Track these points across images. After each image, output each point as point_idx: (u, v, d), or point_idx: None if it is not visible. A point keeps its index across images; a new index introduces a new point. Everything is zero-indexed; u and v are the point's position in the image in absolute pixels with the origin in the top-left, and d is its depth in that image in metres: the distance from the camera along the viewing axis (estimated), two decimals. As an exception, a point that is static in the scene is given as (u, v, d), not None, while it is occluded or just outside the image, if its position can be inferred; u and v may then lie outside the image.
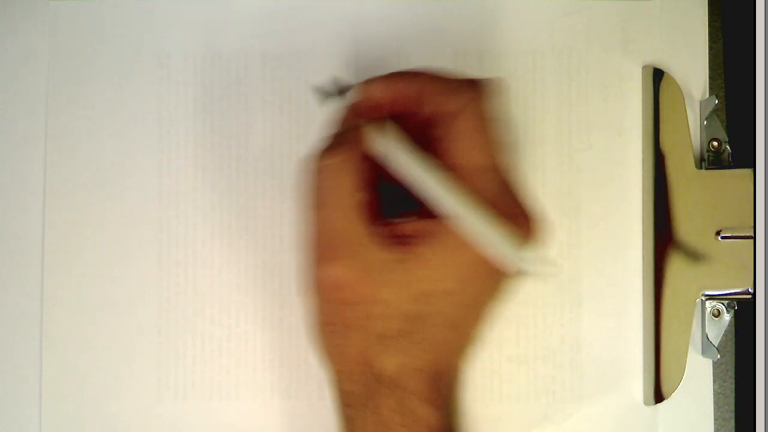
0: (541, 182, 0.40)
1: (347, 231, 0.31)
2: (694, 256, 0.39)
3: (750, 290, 0.38)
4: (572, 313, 0.39)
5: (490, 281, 0.32)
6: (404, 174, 0.32)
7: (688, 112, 0.40)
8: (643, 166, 0.40)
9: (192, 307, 0.39)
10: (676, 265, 0.39)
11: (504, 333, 0.39)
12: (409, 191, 0.32)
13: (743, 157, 0.39)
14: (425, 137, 0.33)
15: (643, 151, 0.40)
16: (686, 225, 0.39)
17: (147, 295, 0.39)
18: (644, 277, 0.39)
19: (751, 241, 0.38)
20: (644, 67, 0.40)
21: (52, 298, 0.40)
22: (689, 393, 0.39)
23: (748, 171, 0.39)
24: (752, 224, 0.38)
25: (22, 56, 0.40)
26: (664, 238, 0.39)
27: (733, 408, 0.39)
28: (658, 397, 0.39)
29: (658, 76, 0.40)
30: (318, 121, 0.40)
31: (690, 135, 0.40)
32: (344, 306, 0.31)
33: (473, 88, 0.32)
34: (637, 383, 0.39)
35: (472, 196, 0.31)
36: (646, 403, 0.39)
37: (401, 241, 0.31)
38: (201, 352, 0.39)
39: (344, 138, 0.32)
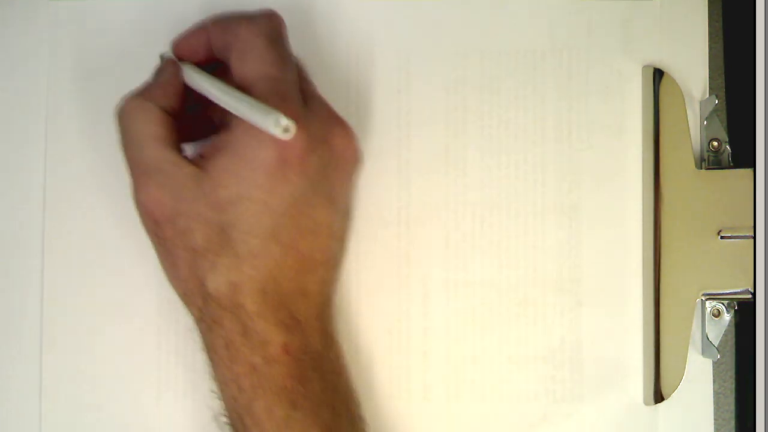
0: (541, 182, 0.40)
1: (154, 158, 0.33)
2: (694, 256, 0.39)
3: (750, 290, 0.38)
4: (572, 313, 0.39)
5: (279, 183, 0.32)
6: (210, 96, 0.34)
7: (688, 112, 0.40)
8: (643, 166, 0.40)
9: (192, 307, 0.39)
10: (677, 265, 0.39)
11: (504, 333, 0.39)
12: (212, 118, 0.35)
13: (743, 157, 0.39)
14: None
15: (643, 151, 0.40)
16: (686, 225, 0.39)
17: (147, 295, 0.39)
18: (644, 277, 0.39)
19: (751, 241, 0.38)
20: (644, 67, 0.40)
21: (52, 298, 0.40)
22: (689, 393, 0.39)
23: (748, 171, 0.39)
24: (752, 224, 0.38)
25: (22, 56, 0.40)
26: (664, 238, 0.39)
27: (733, 408, 0.39)
28: (658, 397, 0.39)
29: (658, 76, 0.40)
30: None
31: (690, 135, 0.40)
32: (160, 224, 0.33)
33: (247, 20, 0.34)
34: (637, 383, 0.39)
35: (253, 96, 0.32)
36: (646, 403, 0.39)
37: (202, 156, 0.34)
38: (201, 352, 0.39)
39: (147, 84, 0.35)
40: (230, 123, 0.33)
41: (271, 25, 0.35)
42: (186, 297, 0.35)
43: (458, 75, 0.40)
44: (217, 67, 0.36)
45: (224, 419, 0.35)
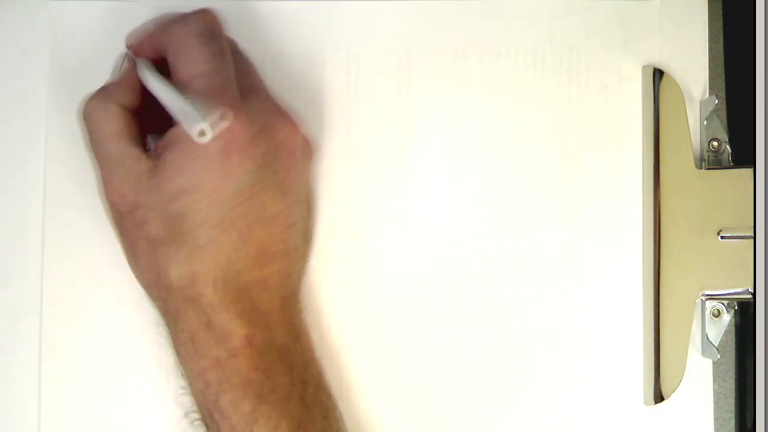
0: (541, 182, 0.40)
1: (116, 153, 0.34)
2: (694, 256, 0.39)
3: (750, 290, 0.38)
4: (572, 313, 0.39)
5: (222, 174, 0.33)
6: (158, 96, 0.34)
7: (688, 112, 0.40)
8: (643, 166, 0.40)
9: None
10: (676, 265, 0.39)
11: (504, 334, 0.39)
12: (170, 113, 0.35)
13: (743, 157, 0.39)
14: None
15: (643, 151, 0.40)
16: (686, 225, 0.39)
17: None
18: (644, 277, 0.39)
19: (751, 241, 0.38)
20: (644, 67, 0.40)
21: (52, 298, 0.39)
22: (689, 393, 0.39)
23: (748, 171, 0.39)
24: (752, 224, 0.38)
25: (22, 56, 0.40)
26: (664, 238, 0.39)
27: (733, 408, 0.39)
28: (658, 397, 0.39)
29: (658, 76, 0.40)
30: (318, 120, 0.40)
31: (690, 135, 0.40)
32: (123, 216, 0.34)
33: (181, 20, 0.35)
34: (637, 383, 0.39)
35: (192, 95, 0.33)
36: (646, 403, 0.39)
37: (157, 151, 0.34)
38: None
39: (106, 83, 0.36)
40: None
41: (204, 23, 0.35)
42: (149, 289, 0.35)
43: (458, 75, 0.40)
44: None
45: (195, 416, 0.35)
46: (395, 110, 0.40)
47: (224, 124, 0.32)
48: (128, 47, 0.37)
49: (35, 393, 0.39)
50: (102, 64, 0.40)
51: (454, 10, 0.40)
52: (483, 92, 0.40)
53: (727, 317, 0.39)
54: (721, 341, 0.39)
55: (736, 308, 0.39)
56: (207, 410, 0.34)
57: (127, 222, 0.35)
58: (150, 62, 0.36)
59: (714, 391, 0.39)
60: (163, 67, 0.36)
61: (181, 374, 0.35)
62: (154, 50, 0.36)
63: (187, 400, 0.35)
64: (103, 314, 0.39)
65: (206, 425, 0.34)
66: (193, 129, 0.31)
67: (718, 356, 0.38)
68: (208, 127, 0.31)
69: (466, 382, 0.39)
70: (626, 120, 0.40)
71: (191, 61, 0.34)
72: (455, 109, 0.40)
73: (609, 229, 0.40)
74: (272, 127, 0.34)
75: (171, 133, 0.34)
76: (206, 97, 0.33)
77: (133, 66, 0.36)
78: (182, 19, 0.35)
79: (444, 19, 0.40)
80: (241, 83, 0.35)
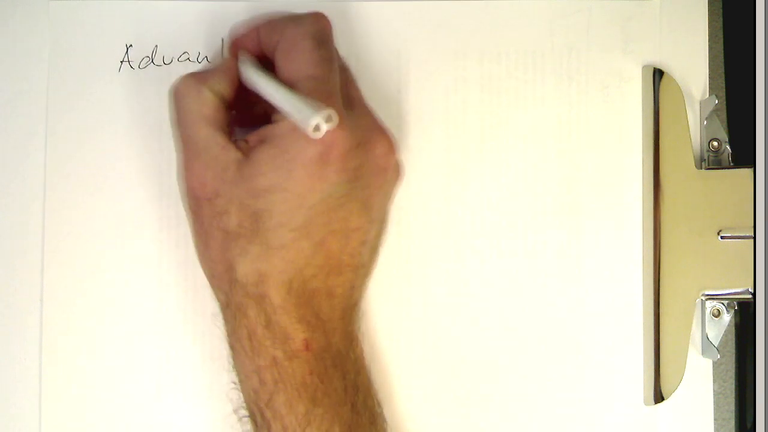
0: (541, 182, 0.40)
1: (203, 138, 0.34)
2: (694, 256, 0.39)
3: (750, 290, 0.38)
4: (572, 313, 0.39)
5: (315, 180, 0.33)
6: (257, 89, 0.35)
7: (688, 112, 0.40)
8: (643, 166, 0.40)
9: (192, 307, 0.39)
10: (676, 265, 0.39)
11: (505, 333, 0.39)
12: (264, 110, 0.35)
13: (743, 157, 0.39)
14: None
15: (643, 151, 0.40)
16: (686, 225, 0.39)
17: (147, 295, 0.39)
18: (644, 278, 0.39)
19: (751, 241, 0.38)
20: (644, 67, 0.40)
21: (52, 298, 0.39)
22: (689, 393, 0.39)
23: (748, 171, 0.39)
24: (752, 224, 0.38)
25: (22, 56, 0.40)
26: (664, 238, 0.39)
27: (733, 408, 0.39)
28: (658, 397, 0.39)
29: (658, 76, 0.40)
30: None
31: (690, 135, 0.40)
32: (200, 202, 0.34)
33: (294, 21, 0.35)
34: (637, 383, 0.39)
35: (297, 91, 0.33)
36: (646, 403, 0.39)
37: (247, 143, 0.34)
38: (201, 352, 0.39)
39: (204, 68, 0.36)
40: (278, 117, 0.34)
41: (317, 27, 0.35)
42: (214, 279, 0.35)
43: (458, 75, 0.40)
44: (269, 66, 0.36)
45: (243, 412, 0.35)
46: (395, 110, 0.40)
47: (331, 126, 0.31)
48: (231, 40, 0.37)
49: (35, 393, 0.39)
50: (102, 64, 0.40)
51: (454, 10, 0.40)
52: (483, 92, 0.40)
53: (727, 317, 0.39)
54: (721, 341, 0.39)
55: (736, 308, 0.39)
56: (258, 408, 0.34)
57: (204, 210, 0.34)
58: (253, 58, 0.36)
59: (714, 391, 0.39)
60: (261, 66, 0.35)
61: (233, 368, 0.35)
62: (257, 46, 0.36)
63: (236, 396, 0.35)
64: (103, 314, 0.39)
65: (255, 423, 0.34)
66: (308, 123, 0.30)
67: (718, 356, 0.38)
68: (323, 122, 0.30)
69: (465, 383, 0.39)
70: (626, 120, 0.40)
71: (302, 62, 0.34)
72: (455, 109, 0.40)
73: (609, 229, 0.40)
74: (370, 142, 0.34)
75: (267, 129, 0.34)
76: (310, 93, 0.33)
77: (233, 57, 0.36)
78: (296, 19, 0.35)
79: (444, 19, 0.40)
80: (343, 93, 0.35)
